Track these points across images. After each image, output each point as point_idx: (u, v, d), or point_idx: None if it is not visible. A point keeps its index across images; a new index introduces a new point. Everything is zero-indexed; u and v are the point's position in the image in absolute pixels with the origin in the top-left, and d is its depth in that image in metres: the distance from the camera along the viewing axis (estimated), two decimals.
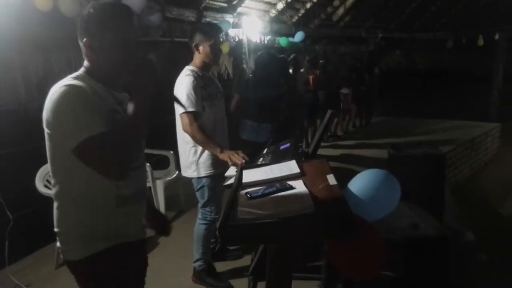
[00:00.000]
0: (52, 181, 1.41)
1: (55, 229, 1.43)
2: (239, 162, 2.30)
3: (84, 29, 1.36)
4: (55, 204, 1.42)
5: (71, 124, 1.27)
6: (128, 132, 1.32)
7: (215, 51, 2.71)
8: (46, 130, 1.34)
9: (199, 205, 2.85)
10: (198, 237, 2.86)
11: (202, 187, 2.76)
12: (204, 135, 2.58)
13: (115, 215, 1.42)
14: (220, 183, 2.71)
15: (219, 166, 2.63)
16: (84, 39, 1.36)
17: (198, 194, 2.82)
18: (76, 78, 1.36)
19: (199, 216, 2.86)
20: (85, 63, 1.42)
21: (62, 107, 1.28)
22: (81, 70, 1.41)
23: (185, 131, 2.60)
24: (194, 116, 2.56)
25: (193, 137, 2.59)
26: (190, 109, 2.54)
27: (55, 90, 1.30)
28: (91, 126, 1.27)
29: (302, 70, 6.57)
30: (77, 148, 1.27)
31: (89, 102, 1.30)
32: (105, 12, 1.36)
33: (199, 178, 2.74)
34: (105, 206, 1.39)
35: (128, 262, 1.48)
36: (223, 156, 2.48)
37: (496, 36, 10.15)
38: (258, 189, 1.41)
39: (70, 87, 1.30)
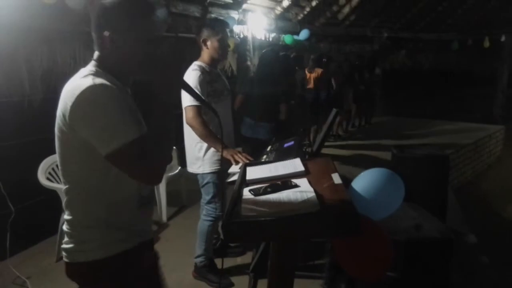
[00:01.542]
0: (66, 186, 1.33)
1: (68, 230, 1.36)
2: (242, 162, 2.29)
3: (106, 21, 1.27)
4: (69, 207, 1.35)
5: (108, 128, 1.20)
6: (161, 133, 1.28)
7: (223, 46, 2.70)
8: (65, 132, 1.25)
9: (204, 201, 2.84)
10: (202, 233, 2.86)
11: (207, 183, 2.75)
12: (207, 130, 2.57)
13: (138, 215, 1.40)
14: (225, 180, 2.71)
15: (224, 163, 2.62)
16: (106, 32, 1.27)
17: (203, 190, 2.81)
18: (96, 74, 1.26)
19: (204, 212, 2.85)
20: (96, 56, 1.33)
21: (94, 109, 1.20)
22: (93, 65, 1.32)
23: (189, 124, 2.59)
24: (199, 110, 2.55)
25: (196, 130, 2.59)
26: (195, 103, 2.54)
27: (83, 89, 1.20)
28: (127, 131, 1.21)
29: (307, 69, 6.56)
30: (112, 154, 1.21)
31: (122, 104, 1.23)
32: (131, 6, 1.28)
33: (204, 174, 2.74)
34: (127, 206, 1.36)
35: (141, 262, 1.44)
36: (226, 153, 2.48)
37: (502, 38, 10.09)
38: (262, 187, 1.40)
39: (101, 87, 1.22)
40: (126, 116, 1.23)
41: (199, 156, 2.71)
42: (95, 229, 1.33)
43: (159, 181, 1.31)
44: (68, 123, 1.23)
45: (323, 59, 7.10)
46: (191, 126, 2.59)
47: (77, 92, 1.20)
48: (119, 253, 1.34)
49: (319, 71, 6.62)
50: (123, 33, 1.28)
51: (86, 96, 1.20)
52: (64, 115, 1.24)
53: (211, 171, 2.72)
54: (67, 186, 1.34)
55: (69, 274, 1.39)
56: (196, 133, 2.60)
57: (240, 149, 2.50)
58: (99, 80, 1.23)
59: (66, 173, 1.33)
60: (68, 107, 1.21)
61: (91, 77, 1.24)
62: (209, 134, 2.58)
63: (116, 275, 1.35)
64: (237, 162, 2.35)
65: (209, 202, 2.81)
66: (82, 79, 1.24)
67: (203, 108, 2.58)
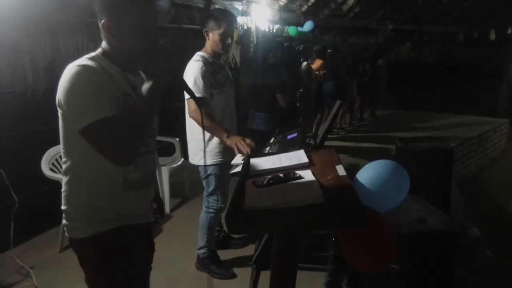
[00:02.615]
0: (62, 160, 1.42)
1: (62, 207, 1.44)
2: (245, 151, 2.27)
3: (103, 10, 1.33)
4: (64, 181, 1.43)
5: (81, 105, 1.26)
6: (138, 118, 1.31)
7: (224, 40, 2.63)
8: (58, 110, 1.34)
9: (205, 193, 2.83)
10: (204, 225, 2.86)
11: (209, 175, 2.74)
12: (210, 120, 2.54)
13: (122, 197, 1.42)
14: (227, 172, 2.69)
15: (226, 155, 2.61)
16: (103, 21, 1.33)
17: (204, 182, 2.80)
18: (91, 58, 1.34)
19: (205, 204, 2.85)
20: (103, 44, 1.41)
21: (73, 87, 1.27)
22: (98, 51, 1.40)
23: (192, 116, 2.57)
24: (201, 102, 2.53)
25: (199, 122, 2.54)
26: (197, 95, 2.51)
27: (68, 70, 1.29)
28: (100, 109, 1.25)
29: (309, 60, 6.52)
30: (84, 130, 1.27)
31: (100, 84, 1.28)
32: None
33: (206, 166, 2.72)
34: (113, 188, 1.40)
35: (133, 244, 1.48)
36: (230, 142, 2.45)
37: (509, 31, 9.98)
38: (266, 178, 1.39)
39: (83, 67, 1.28)
40: (101, 96, 1.27)
41: (200, 147, 2.69)
42: (79, 208, 1.41)
43: (126, 163, 1.34)
44: (57, 102, 1.31)
45: (328, 51, 7.06)
46: (193, 118, 2.57)
47: (65, 73, 1.29)
48: (103, 232, 1.40)
49: (318, 62, 6.58)
50: (117, 20, 1.32)
51: (68, 77, 1.27)
52: (57, 95, 1.32)
53: (213, 163, 2.70)
54: (63, 161, 1.43)
55: (72, 247, 1.50)
56: (199, 125, 2.57)
57: (247, 138, 2.47)
58: (85, 62, 1.30)
59: (62, 152, 1.42)
60: (58, 88, 1.30)
61: (81, 60, 1.32)
62: (213, 125, 2.55)
63: (101, 253, 1.42)
64: (240, 152, 2.33)
65: (210, 194, 2.80)
66: (75, 62, 1.31)
67: (205, 99, 2.56)
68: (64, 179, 1.43)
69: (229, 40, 2.68)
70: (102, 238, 1.40)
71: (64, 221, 1.46)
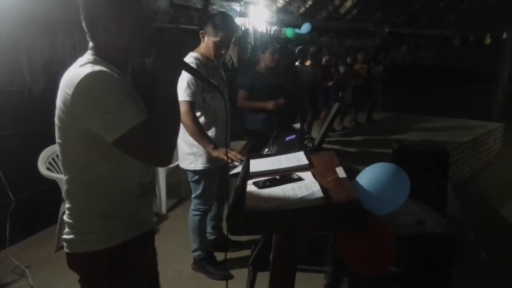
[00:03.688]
0: (66, 176, 1.33)
1: (68, 220, 1.35)
2: (236, 160, 2.29)
3: (97, 10, 1.26)
4: (70, 197, 1.34)
5: (111, 114, 1.18)
6: (166, 114, 1.27)
7: (217, 49, 2.58)
8: (65, 121, 1.24)
9: (192, 195, 2.83)
10: (194, 227, 2.86)
11: (198, 179, 2.73)
12: (198, 127, 2.51)
13: (137, 203, 1.39)
14: (215, 175, 2.70)
15: (215, 161, 2.58)
16: (99, 21, 1.26)
17: (192, 185, 2.80)
18: (95, 62, 1.25)
19: (192, 207, 2.86)
20: (92, 45, 1.32)
21: (95, 96, 1.18)
22: (90, 54, 1.31)
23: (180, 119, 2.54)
24: (191, 106, 2.50)
25: (186, 127, 2.51)
26: (188, 98, 2.48)
27: (82, 77, 1.19)
28: (132, 115, 1.20)
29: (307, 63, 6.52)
30: (119, 140, 1.20)
31: (123, 89, 1.22)
32: None
33: (194, 170, 2.70)
34: (129, 195, 1.36)
35: (142, 253, 1.44)
36: (217, 154, 2.46)
37: (504, 35, 10.06)
38: (266, 179, 1.39)
39: (100, 73, 1.20)
40: (129, 100, 1.22)
41: (190, 152, 2.66)
42: (95, 219, 1.32)
43: (169, 162, 1.31)
44: (69, 112, 1.22)
45: (325, 58, 7.05)
46: (182, 122, 2.53)
47: (76, 80, 1.19)
48: (120, 244, 1.34)
49: (308, 63, 6.59)
50: (116, 19, 1.27)
51: (86, 84, 1.18)
52: (64, 105, 1.22)
53: (202, 168, 2.67)
54: (67, 176, 1.33)
55: (70, 264, 1.39)
56: (187, 129, 2.53)
57: (233, 150, 2.47)
58: (97, 67, 1.22)
59: (66, 163, 1.33)
60: (69, 96, 1.20)
61: (89, 65, 1.23)
62: (200, 131, 2.51)
63: (117, 266, 1.35)
64: (231, 160, 2.33)
65: (197, 197, 2.80)
66: (80, 68, 1.23)
67: (196, 104, 2.54)
68: (68, 194, 1.34)
69: (223, 50, 2.60)
70: (119, 250, 1.33)
71: (67, 236, 1.35)
